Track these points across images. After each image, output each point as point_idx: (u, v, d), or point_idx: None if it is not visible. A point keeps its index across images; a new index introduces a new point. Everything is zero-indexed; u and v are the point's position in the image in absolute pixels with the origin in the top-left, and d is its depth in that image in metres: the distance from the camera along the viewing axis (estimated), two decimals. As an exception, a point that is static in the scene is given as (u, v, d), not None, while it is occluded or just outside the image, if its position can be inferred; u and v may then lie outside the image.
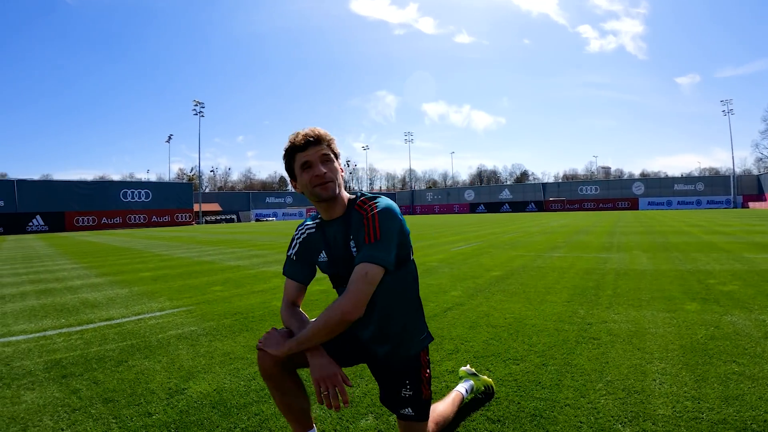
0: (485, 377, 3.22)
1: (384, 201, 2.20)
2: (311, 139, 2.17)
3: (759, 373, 3.37)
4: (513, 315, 5.45)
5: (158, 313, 6.25)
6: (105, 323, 5.78)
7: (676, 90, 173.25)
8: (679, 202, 68.42)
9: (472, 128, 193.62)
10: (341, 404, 2.06)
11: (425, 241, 17.71)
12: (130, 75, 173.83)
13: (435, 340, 4.47)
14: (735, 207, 64.62)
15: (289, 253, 2.42)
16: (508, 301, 6.25)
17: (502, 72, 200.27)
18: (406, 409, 2.37)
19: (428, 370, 2.41)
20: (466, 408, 3.03)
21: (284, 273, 2.43)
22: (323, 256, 2.33)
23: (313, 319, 2.17)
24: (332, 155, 2.24)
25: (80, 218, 49.21)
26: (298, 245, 2.39)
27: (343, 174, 2.31)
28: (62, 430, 2.96)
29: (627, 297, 6.16)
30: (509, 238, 17.69)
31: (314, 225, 2.37)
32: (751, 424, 2.64)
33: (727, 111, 72.27)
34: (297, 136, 2.20)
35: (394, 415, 2.66)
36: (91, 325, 5.68)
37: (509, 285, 7.37)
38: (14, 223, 44.43)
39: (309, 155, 2.17)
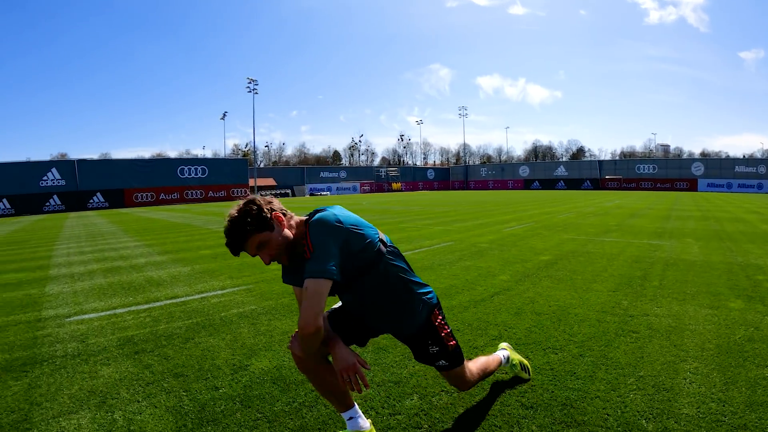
0: (520, 356, 3.47)
1: (321, 214, 2.35)
2: (235, 246, 2.36)
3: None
4: (557, 303, 5.61)
5: (219, 292, 6.69)
6: (170, 301, 6.24)
7: (740, 65, 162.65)
8: (739, 185, 65.07)
9: (527, 102, 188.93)
10: (363, 387, 2.33)
11: (477, 220, 17.74)
12: (184, 53, 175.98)
13: (480, 325, 4.72)
14: None
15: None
16: (554, 287, 6.40)
17: (558, 44, 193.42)
18: (440, 361, 2.68)
19: (446, 327, 2.70)
20: (501, 392, 3.28)
21: (283, 281, 2.61)
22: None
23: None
24: (258, 236, 2.33)
25: (139, 194, 50.54)
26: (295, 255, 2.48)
27: (282, 222, 2.41)
28: (138, 401, 3.34)
29: (672, 289, 6.18)
30: (562, 219, 17.52)
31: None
32: (773, 427, 2.77)
33: None
34: (226, 244, 2.38)
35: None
36: (158, 303, 6.14)
37: (557, 271, 7.49)
38: (76, 201, 45.92)
39: (246, 252, 2.38)
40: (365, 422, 2.69)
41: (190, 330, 4.97)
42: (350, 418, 2.65)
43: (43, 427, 3.04)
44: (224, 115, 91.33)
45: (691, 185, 68.21)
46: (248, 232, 2.29)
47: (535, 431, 2.82)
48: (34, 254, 11.86)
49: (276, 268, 8.18)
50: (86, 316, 5.64)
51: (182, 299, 6.33)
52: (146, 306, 6.03)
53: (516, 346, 4.14)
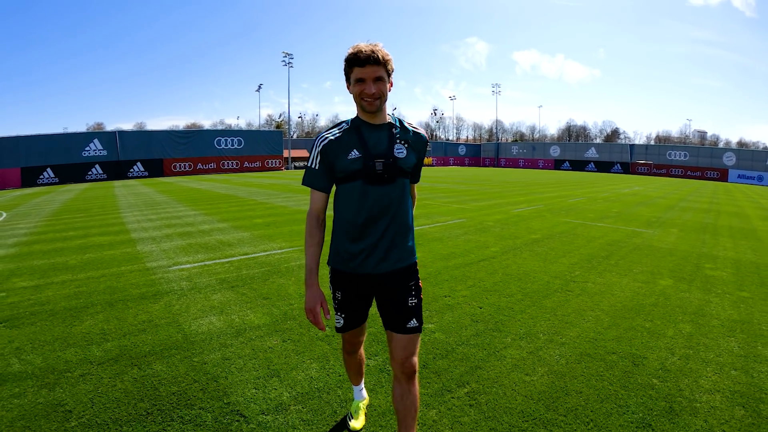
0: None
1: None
2: (371, 59, 2.45)
3: (662, 330, 5.43)
4: (525, 268, 7.64)
5: (278, 251, 8.85)
6: (243, 257, 8.40)
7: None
8: None
9: (564, 80, 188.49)
10: (319, 330, 3.11)
11: (492, 200, 19.57)
12: (219, 20, 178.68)
13: (462, 278, 6.85)
14: None
15: (309, 165, 2.66)
16: (529, 258, 8.38)
17: (600, 21, 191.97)
18: (412, 321, 2.70)
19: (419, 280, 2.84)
20: (457, 309, 5.31)
21: (306, 183, 2.69)
22: (354, 153, 2.55)
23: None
24: (385, 75, 2.51)
25: (177, 164, 52.66)
26: (319, 156, 2.61)
27: (391, 88, 2.60)
28: (245, 311, 5.51)
29: (621, 267, 8.01)
30: (571, 203, 19.25)
31: (343, 130, 2.63)
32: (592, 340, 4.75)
33: None
34: (358, 52, 2.46)
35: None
36: (235, 258, 8.29)
37: (539, 247, 9.45)
38: (117, 170, 48.29)
39: (365, 73, 2.47)
40: (365, 393, 3.49)
41: (265, 274, 7.15)
42: (360, 390, 3.45)
43: (190, 325, 5.17)
44: (259, 87, 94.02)
45: (722, 175, 67.60)
46: (389, 61, 2.53)
47: (476, 333, 4.85)
48: (104, 221, 13.78)
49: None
50: (183, 266, 7.77)
51: (251, 255, 8.49)
52: (226, 260, 8.17)
53: (481, 292, 6.28)
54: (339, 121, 2.70)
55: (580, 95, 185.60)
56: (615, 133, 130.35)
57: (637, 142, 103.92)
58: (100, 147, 48.14)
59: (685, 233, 12.22)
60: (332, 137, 2.59)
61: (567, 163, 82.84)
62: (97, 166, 47.38)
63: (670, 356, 4.51)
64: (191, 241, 10.05)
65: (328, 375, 4.05)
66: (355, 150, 2.54)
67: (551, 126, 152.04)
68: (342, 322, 2.84)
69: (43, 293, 6.26)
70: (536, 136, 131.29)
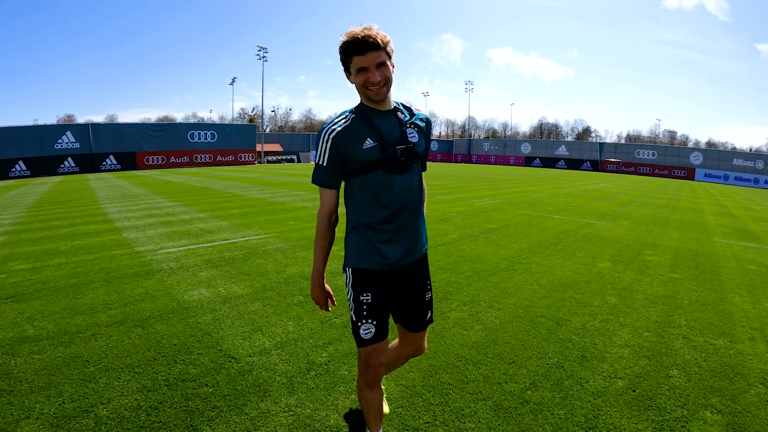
0: None
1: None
2: (370, 44, 2.29)
3: (590, 300, 6.34)
4: (478, 252, 8.54)
5: (256, 237, 9.63)
6: (224, 242, 9.16)
7: (756, 57, 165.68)
8: (736, 178, 65.39)
9: (538, 78, 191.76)
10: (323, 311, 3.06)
11: (458, 194, 20.44)
12: (192, 13, 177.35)
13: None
14: None
15: (319, 163, 2.48)
16: (484, 244, 9.27)
17: (574, 21, 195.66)
18: (428, 313, 2.78)
19: None
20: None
21: (318, 182, 2.52)
22: (369, 142, 2.42)
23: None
24: (387, 58, 2.36)
25: (150, 158, 52.53)
26: (328, 150, 2.44)
27: (393, 69, 2.44)
28: (229, 285, 6.27)
29: (567, 252, 8.95)
30: (535, 197, 20.24)
31: (351, 119, 2.46)
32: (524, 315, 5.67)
33: None
34: (354, 39, 2.30)
35: None
36: (216, 243, 9.05)
37: (494, 235, 10.35)
38: (90, 163, 48.00)
39: (366, 61, 2.32)
40: (386, 406, 3.29)
41: (245, 256, 7.93)
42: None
43: (182, 295, 5.92)
44: (233, 80, 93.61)
45: (689, 174, 69.20)
46: (388, 43, 2.37)
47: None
48: (87, 212, 14.19)
49: (293, 223, 11.02)
50: (169, 250, 8.48)
51: (231, 241, 9.25)
52: (208, 244, 8.92)
53: (435, 270, 7.10)
54: (341, 112, 2.54)
55: (553, 94, 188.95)
56: (586, 131, 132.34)
57: (607, 140, 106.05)
58: (72, 140, 47.86)
59: (635, 225, 13.12)
60: (340, 128, 2.43)
61: (538, 160, 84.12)
62: (69, 158, 47.11)
63: (592, 320, 5.38)
64: (174, 229, 10.72)
65: (301, 330, 4.87)
66: (369, 139, 2.42)
67: (524, 123, 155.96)
68: (373, 330, 2.56)
69: (42, 274, 6.91)
70: (508, 133, 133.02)
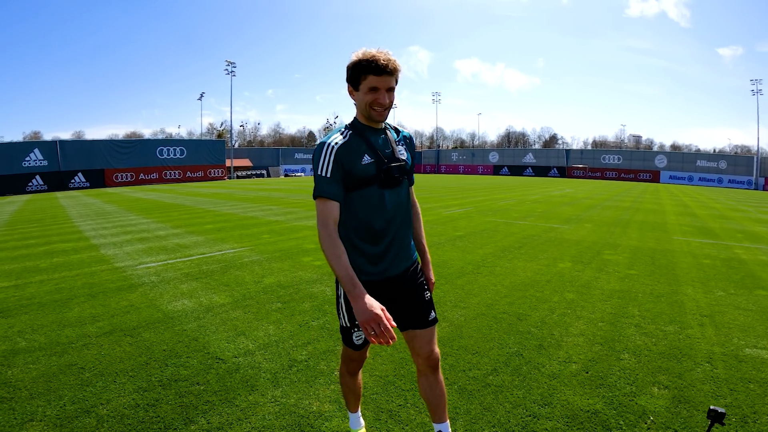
0: None
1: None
2: (389, 69, 2.40)
3: (549, 297, 6.81)
4: (445, 258, 8.97)
5: (232, 250, 9.93)
6: (201, 256, 9.45)
7: (717, 61, 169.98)
8: (700, 178, 67.76)
9: (504, 88, 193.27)
10: (390, 340, 2.11)
11: (426, 204, 20.88)
12: (159, 27, 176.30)
13: None
14: (756, 189, 62.48)
15: (323, 175, 2.43)
16: (451, 251, 9.72)
17: (539, 31, 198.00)
18: (432, 313, 2.76)
19: None
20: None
21: (323, 194, 2.43)
22: (367, 158, 2.50)
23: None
24: (395, 85, 2.49)
25: (119, 175, 52.14)
26: (332, 163, 2.43)
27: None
28: (210, 295, 6.59)
29: (530, 255, 9.46)
30: (501, 204, 20.87)
31: (348, 135, 2.52)
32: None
33: (756, 90, 70.89)
34: (376, 60, 2.38)
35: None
36: (194, 257, 9.33)
37: (461, 242, 10.81)
38: (58, 181, 47.40)
39: (380, 82, 2.41)
40: (362, 421, 3.34)
41: (223, 268, 8.24)
42: (358, 418, 3.28)
43: (166, 306, 6.23)
44: (201, 95, 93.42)
45: (654, 177, 70.86)
46: (399, 72, 2.50)
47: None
48: (61, 230, 14.30)
49: (267, 237, 11.34)
50: (149, 265, 8.74)
51: (209, 255, 9.55)
52: (186, 259, 9.20)
53: None
54: (337, 127, 2.60)
55: (520, 103, 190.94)
56: (553, 138, 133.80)
57: (574, 147, 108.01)
58: (40, 157, 47.31)
59: (597, 227, 13.73)
60: (342, 142, 2.48)
61: (506, 169, 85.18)
62: (37, 176, 46.52)
63: (550, 314, 5.84)
64: (151, 245, 10.94)
65: (282, 332, 5.24)
66: (366, 155, 2.51)
67: (491, 133, 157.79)
68: (363, 338, 2.74)
69: (26, 290, 7.12)
70: (476, 142, 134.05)
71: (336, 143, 2.47)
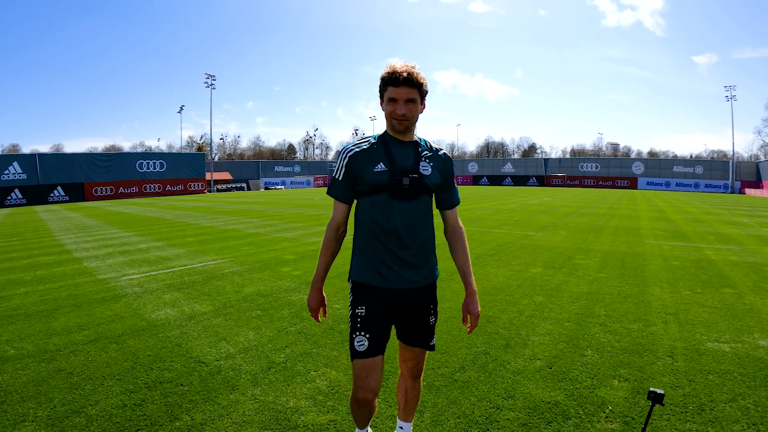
0: None
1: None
2: (406, 80, 2.50)
3: (519, 300, 7.12)
4: None
5: (213, 262, 10.16)
6: (183, 267, 9.66)
7: (693, 69, 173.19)
8: (677, 184, 68.88)
9: (483, 98, 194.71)
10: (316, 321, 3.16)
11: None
12: (138, 39, 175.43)
13: None
14: (732, 192, 63.76)
15: (336, 177, 2.66)
16: (428, 260, 9.97)
17: (517, 42, 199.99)
18: (432, 340, 2.87)
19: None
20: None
21: (332, 194, 2.70)
22: (381, 167, 2.57)
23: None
24: (418, 97, 2.56)
25: (99, 188, 51.35)
26: (344, 167, 2.62)
27: (423, 108, 2.66)
28: (192, 305, 6.81)
29: (503, 261, 9.82)
30: (480, 214, 21.30)
31: (370, 144, 2.65)
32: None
33: (730, 96, 72.00)
34: (394, 72, 2.51)
35: None
36: (176, 269, 9.54)
37: (436, 250, 11.02)
38: (37, 195, 46.61)
39: (398, 94, 2.51)
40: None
41: (204, 279, 8.47)
42: None
43: (150, 315, 6.45)
44: (181, 108, 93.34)
45: (632, 183, 71.91)
46: (423, 84, 2.58)
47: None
48: (42, 243, 14.32)
49: (247, 249, 11.57)
50: (132, 277, 8.93)
51: (190, 266, 9.76)
52: (168, 270, 9.41)
53: None
54: (366, 136, 2.72)
55: (498, 113, 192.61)
56: (532, 148, 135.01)
57: (552, 156, 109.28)
58: (19, 170, 46.60)
59: (571, 234, 14.19)
60: (359, 149, 2.62)
61: (485, 179, 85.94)
62: (16, 190, 45.61)
63: (519, 316, 6.16)
64: (133, 257, 11.11)
65: (261, 337, 5.50)
66: (381, 163, 2.56)
67: (470, 143, 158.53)
68: (366, 343, 2.63)
69: (11, 302, 7.27)
70: (456, 153, 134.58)
71: (352, 150, 2.64)
